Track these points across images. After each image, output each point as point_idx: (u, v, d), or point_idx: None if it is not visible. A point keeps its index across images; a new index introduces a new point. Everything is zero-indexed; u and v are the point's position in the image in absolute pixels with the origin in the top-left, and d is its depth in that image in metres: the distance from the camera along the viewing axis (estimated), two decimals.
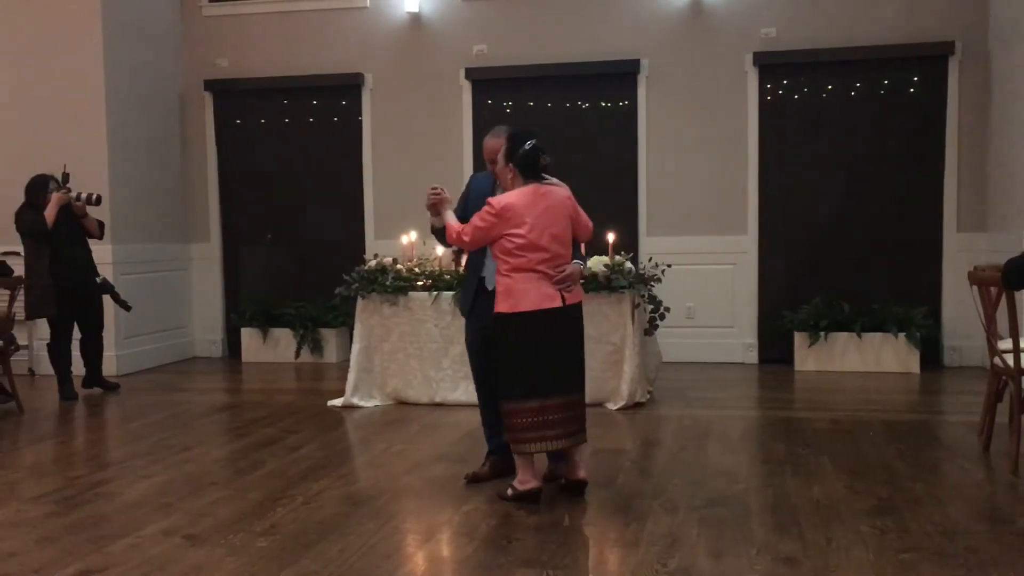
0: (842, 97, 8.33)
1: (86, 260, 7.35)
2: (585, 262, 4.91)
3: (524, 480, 4.34)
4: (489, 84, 8.88)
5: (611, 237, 6.73)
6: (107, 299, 7.45)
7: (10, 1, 8.37)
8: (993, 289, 4.85)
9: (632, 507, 4.30)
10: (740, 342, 8.56)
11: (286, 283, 9.35)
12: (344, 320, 8.67)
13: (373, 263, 6.92)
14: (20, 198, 7.23)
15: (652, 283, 6.88)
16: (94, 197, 7.29)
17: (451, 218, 4.56)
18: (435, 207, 4.60)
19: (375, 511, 4.31)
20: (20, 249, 7.34)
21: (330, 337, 8.98)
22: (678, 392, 7.15)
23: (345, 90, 9.20)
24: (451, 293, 6.60)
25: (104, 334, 7.60)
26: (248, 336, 9.14)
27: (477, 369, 4.75)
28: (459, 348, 5.02)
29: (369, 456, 5.50)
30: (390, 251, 7.44)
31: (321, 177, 9.28)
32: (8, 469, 5.24)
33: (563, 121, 8.73)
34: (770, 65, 8.37)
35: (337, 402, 6.80)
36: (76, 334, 7.43)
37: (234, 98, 9.39)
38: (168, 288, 9.18)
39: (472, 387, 4.98)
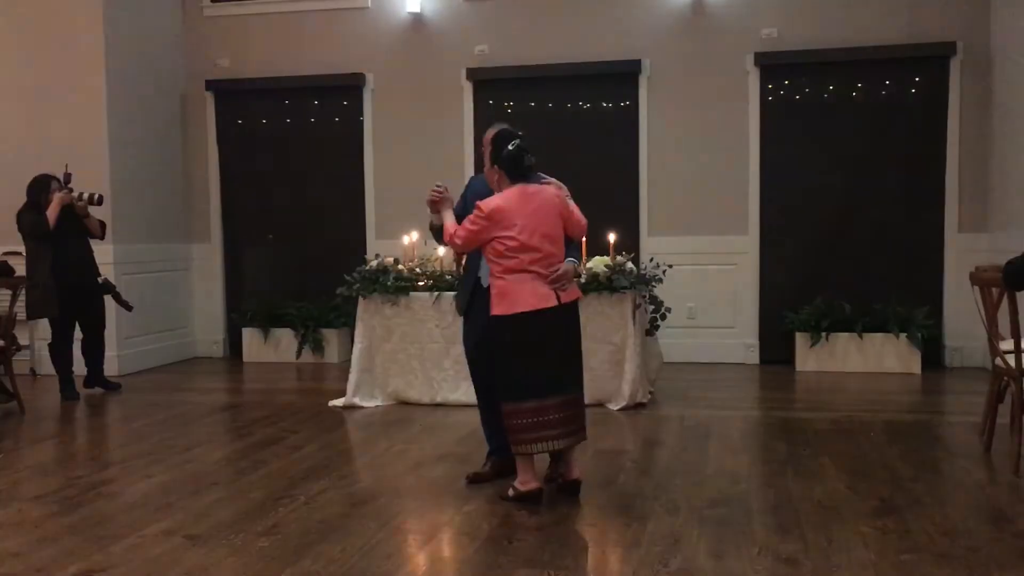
0: (843, 98, 8.33)
1: (87, 260, 7.35)
2: (579, 259, 4.90)
3: (525, 481, 4.34)
4: (490, 84, 8.88)
5: (612, 237, 6.74)
6: (108, 299, 7.45)
7: (11, 1, 8.38)
8: (994, 290, 4.86)
9: (633, 507, 4.30)
10: (741, 342, 8.55)
11: (287, 283, 9.35)
12: (345, 320, 8.66)
13: (374, 263, 6.92)
14: (22, 198, 7.22)
15: (653, 283, 6.89)
16: (96, 197, 7.28)
17: (449, 218, 4.55)
18: (435, 204, 4.60)
19: (376, 511, 4.31)
20: (22, 249, 7.32)
21: (331, 337, 8.98)
22: (679, 392, 7.15)
23: (346, 90, 9.20)
24: (452, 293, 6.59)
25: (105, 334, 7.59)
26: (249, 336, 9.14)
27: (476, 370, 4.75)
28: (460, 348, 5.01)
29: (370, 456, 5.50)
30: (391, 251, 7.43)
31: (322, 177, 9.29)
32: (10, 469, 5.23)
33: (564, 121, 8.74)
34: (771, 66, 8.36)
35: (338, 402, 6.80)
36: (77, 334, 7.43)
37: (235, 98, 9.38)
38: (169, 288, 9.18)
39: (472, 387, 4.98)
